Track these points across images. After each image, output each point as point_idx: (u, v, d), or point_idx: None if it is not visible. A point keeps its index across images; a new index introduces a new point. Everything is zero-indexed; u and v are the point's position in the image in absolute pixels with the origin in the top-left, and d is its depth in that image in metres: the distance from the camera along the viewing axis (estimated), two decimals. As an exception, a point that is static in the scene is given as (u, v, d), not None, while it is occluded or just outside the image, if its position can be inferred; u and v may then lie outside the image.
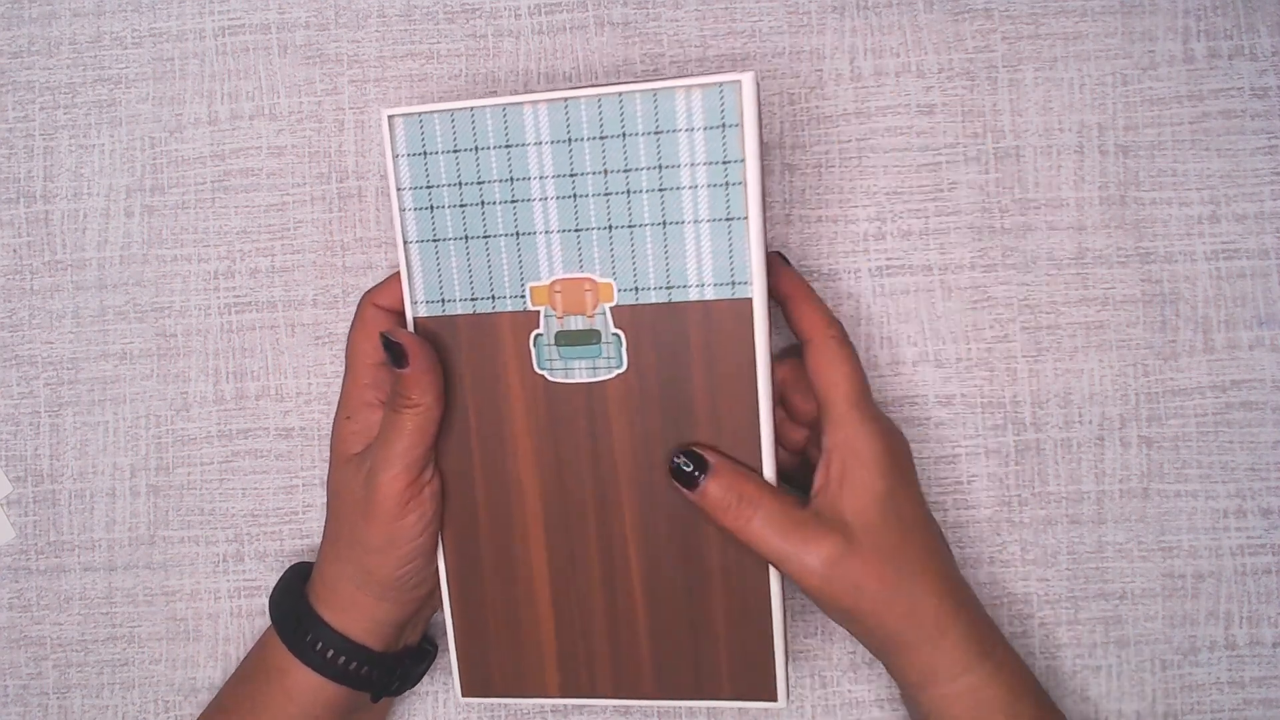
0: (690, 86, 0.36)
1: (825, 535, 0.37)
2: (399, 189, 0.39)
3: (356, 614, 0.40)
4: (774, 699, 0.40)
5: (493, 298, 0.39)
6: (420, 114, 0.38)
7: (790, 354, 0.43)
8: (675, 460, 0.38)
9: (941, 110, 0.46)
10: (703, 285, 0.37)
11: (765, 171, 0.46)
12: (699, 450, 0.38)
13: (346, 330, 0.48)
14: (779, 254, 0.43)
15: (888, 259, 0.46)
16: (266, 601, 0.48)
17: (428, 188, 0.39)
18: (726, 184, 0.36)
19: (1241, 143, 0.45)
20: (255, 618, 0.48)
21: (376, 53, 0.48)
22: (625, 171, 0.37)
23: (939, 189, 0.46)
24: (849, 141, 0.46)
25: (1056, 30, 0.46)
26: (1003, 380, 0.46)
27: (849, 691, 0.46)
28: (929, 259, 0.46)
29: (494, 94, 0.48)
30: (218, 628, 0.48)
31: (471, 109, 0.38)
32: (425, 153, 0.39)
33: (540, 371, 0.39)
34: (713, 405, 0.38)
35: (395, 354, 0.38)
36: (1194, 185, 0.45)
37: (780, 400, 0.43)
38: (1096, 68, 0.46)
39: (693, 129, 0.36)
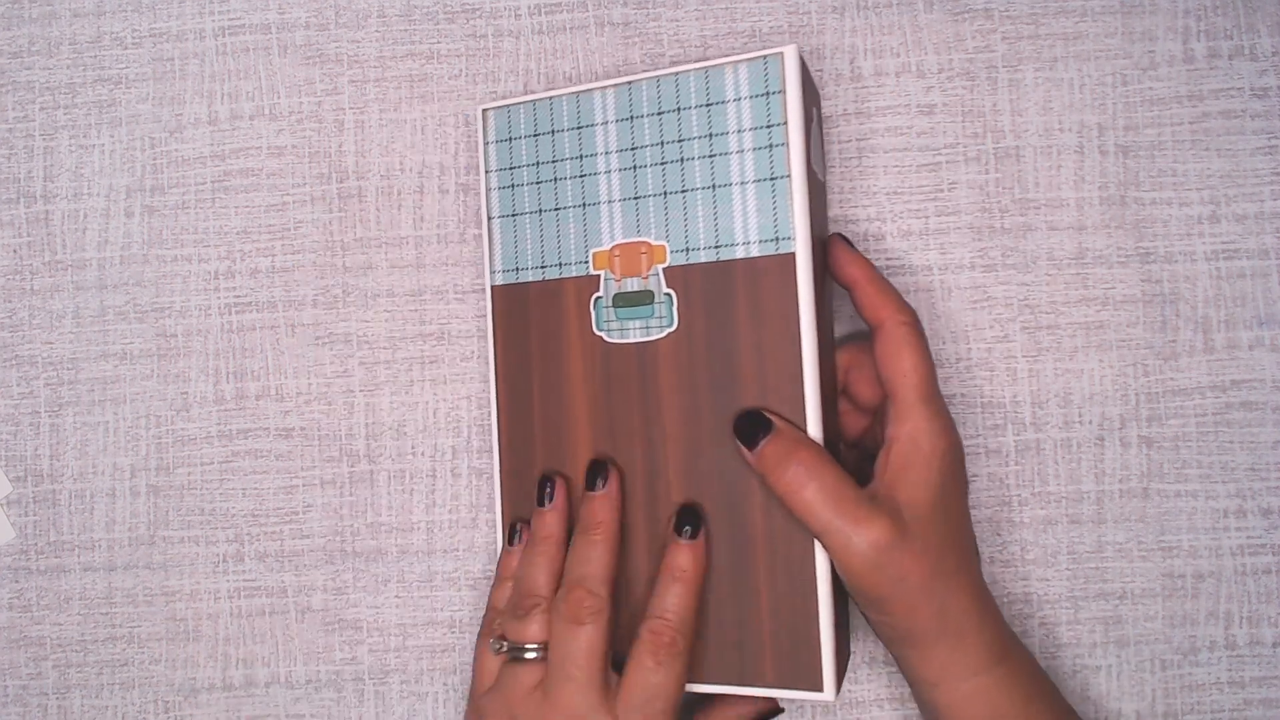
0: (738, 61, 0.39)
1: (878, 519, 0.36)
2: (487, 171, 0.43)
3: None
4: (819, 689, 0.38)
5: (560, 264, 0.42)
6: (509, 106, 0.43)
7: (854, 338, 0.43)
8: (739, 419, 0.38)
9: (941, 110, 0.46)
10: (749, 243, 0.39)
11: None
12: (765, 412, 0.38)
13: (346, 330, 0.48)
14: (841, 236, 0.42)
15: (888, 259, 0.46)
16: (267, 602, 0.48)
17: (510, 169, 0.43)
18: (770, 146, 0.38)
19: (1241, 143, 0.45)
20: (255, 618, 0.48)
21: (376, 53, 0.48)
22: (679, 141, 0.40)
23: (939, 189, 0.46)
24: (849, 141, 0.46)
25: (1056, 30, 0.46)
26: (1003, 380, 0.46)
27: (849, 692, 0.46)
28: (929, 259, 0.46)
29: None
30: (218, 628, 0.48)
31: (550, 99, 0.42)
32: (510, 138, 0.43)
33: (599, 333, 0.41)
34: (758, 360, 0.39)
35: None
36: (1194, 185, 0.45)
37: (843, 388, 0.43)
38: (1096, 68, 0.46)
39: (740, 99, 0.39)
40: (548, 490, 0.41)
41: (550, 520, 0.40)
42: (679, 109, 0.40)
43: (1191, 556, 0.45)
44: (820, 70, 0.46)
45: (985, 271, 0.46)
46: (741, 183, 0.39)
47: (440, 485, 0.47)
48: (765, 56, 0.38)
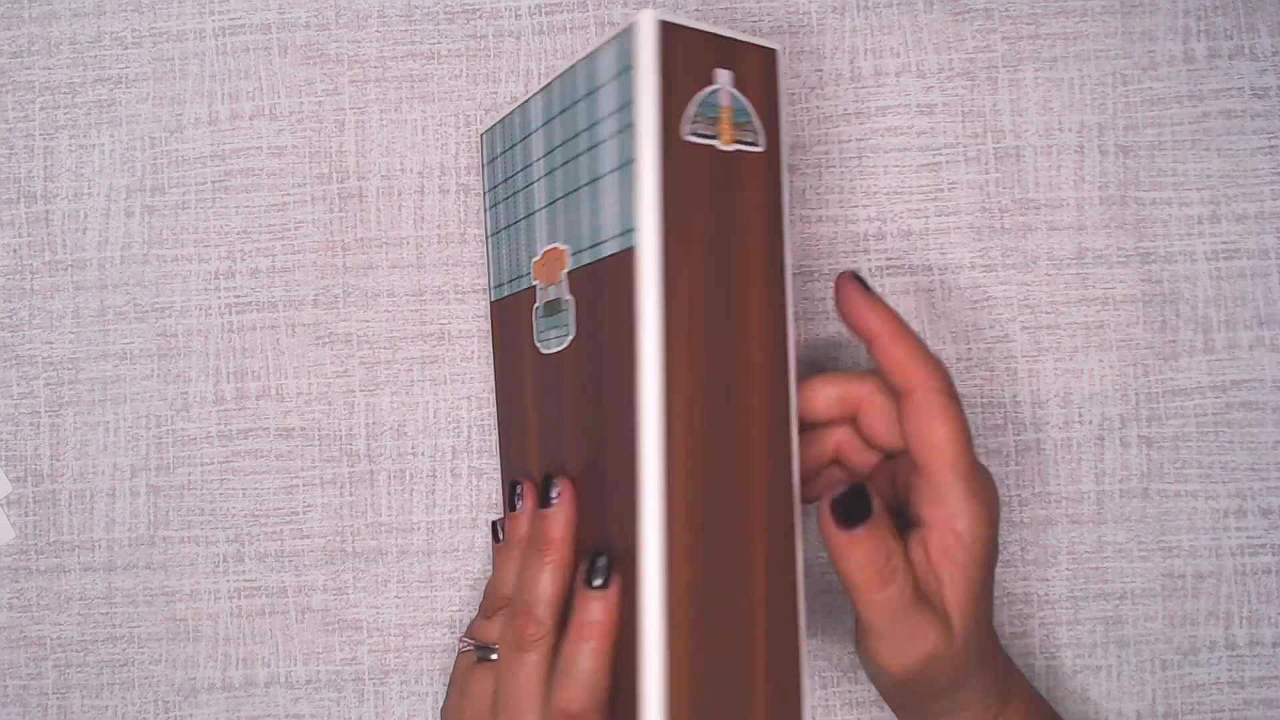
0: (608, 41, 0.34)
1: (933, 633, 0.33)
2: (484, 192, 0.44)
3: None
4: None
5: (519, 278, 0.41)
6: (493, 126, 0.43)
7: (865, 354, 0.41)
8: (843, 494, 0.33)
9: (942, 110, 0.46)
10: (612, 238, 0.34)
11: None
12: (871, 493, 0.33)
13: (347, 330, 0.48)
14: (854, 275, 0.36)
15: (888, 259, 0.46)
16: (267, 602, 0.48)
17: (493, 188, 0.43)
18: (626, 128, 0.33)
19: (1242, 143, 0.45)
20: (255, 618, 0.48)
21: (377, 53, 0.48)
22: (575, 136, 0.36)
23: (939, 189, 0.46)
24: (849, 141, 0.46)
25: (1057, 30, 0.46)
26: (1003, 380, 0.46)
27: (849, 692, 0.46)
28: (929, 259, 0.46)
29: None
30: (218, 628, 0.48)
31: (510, 112, 0.41)
32: (493, 158, 0.43)
33: (537, 344, 0.40)
34: (614, 373, 0.33)
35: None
36: (1194, 185, 0.45)
37: (854, 417, 0.38)
38: (1097, 68, 0.46)
39: (608, 81, 0.34)
40: (517, 494, 0.39)
41: (520, 523, 0.39)
42: (574, 102, 0.36)
43: (1191, 556, 0.45)
44: (820, 70, 0.46)
45: (985, 271, 0.46)
46: (610, 172, 0.34)
47: (440, 485, 0.47)
48: (623, 30, 0.33)
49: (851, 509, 0.32)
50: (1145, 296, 0.45)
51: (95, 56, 0.49)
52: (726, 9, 0.46)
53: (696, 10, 0.47)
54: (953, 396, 0.34)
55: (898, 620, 0.33)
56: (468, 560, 0.47)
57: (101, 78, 0.49)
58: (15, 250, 0.49)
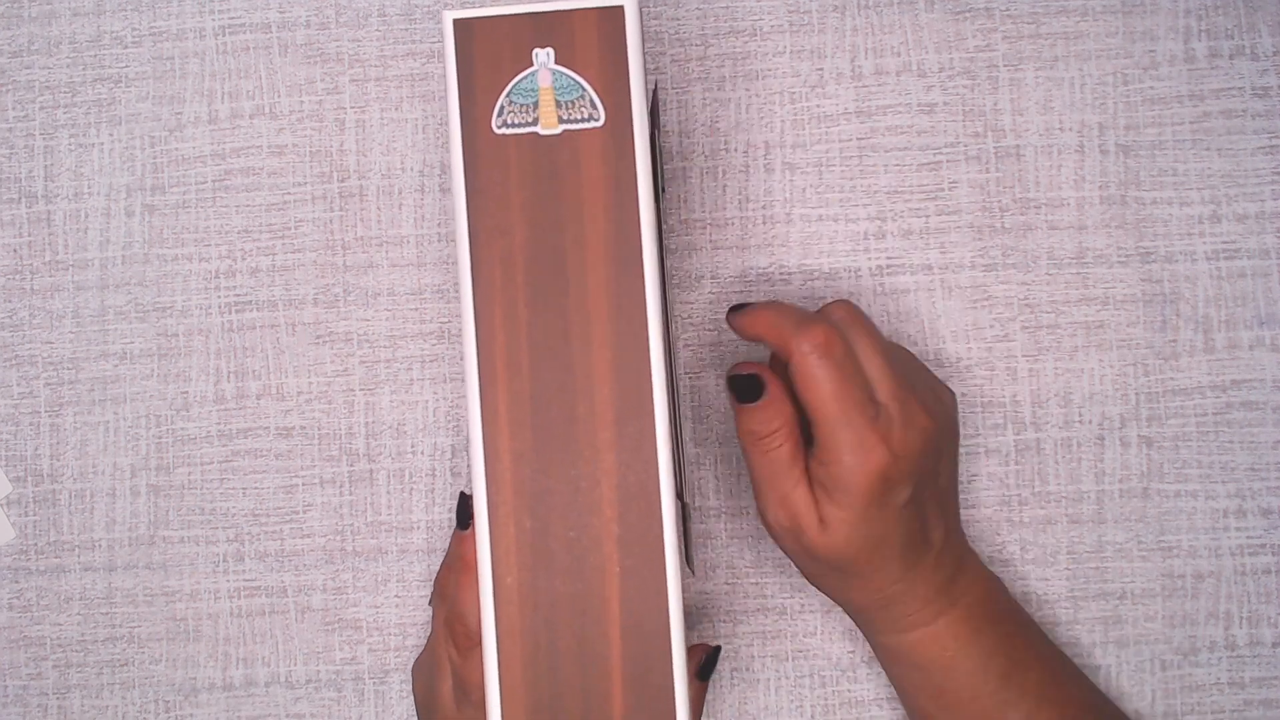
0: None
1: (794, 506, 0.37)
2: None
3: None
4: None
5: None
6: None
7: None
8: (735, 375, 0.38)
9: (942, 109, 0.46)
10: None
11: (766, 170, 0.46)
12: (764, 379, 0.37)
13: (347, 329, 0.48)
14: (730, 310, 0.40)
15: (888, 258, 0.46)
16: (267, 602, 0.48)
17: None
18: None
19: (1242, 142, 0.45)
20: (255, 618, 0.48)
21: (377, 52, 0.48)
22: None
23: (939, 188, 0.46)
24: (849, 141, 0.46)
25: (1057, 30, 0.46)
26: (1003, 379, 0.46)
27: (849, 691, 0.46)
28: (929, 258, 0.46)
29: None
30: (218, 628, 0.48)
31: None
32: None
33: None
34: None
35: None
36: (1195, 185, 0.45)
37: None
38: (1097, 67, 0.46)
39: None
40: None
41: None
42: None
43: (1191, 556, 0.45)
44: (821, 69, 0.46)
45: (986, 271, 0.46)
46: None
47: (440, 484, 0.47)
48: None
49: (745, 389, 0.37)
50: (1145, 296, 0.45)
51: (95, 56, 0.49)
52: (727, 8, 0.46)
53: (697, 9, 0.47)
54: (825, 354, 0.36)
55: (772, 481, 0.37)
56: (468, 560, 0.47)
57: (101, 77, 0.49)
58: (15, 250, 0.49)
